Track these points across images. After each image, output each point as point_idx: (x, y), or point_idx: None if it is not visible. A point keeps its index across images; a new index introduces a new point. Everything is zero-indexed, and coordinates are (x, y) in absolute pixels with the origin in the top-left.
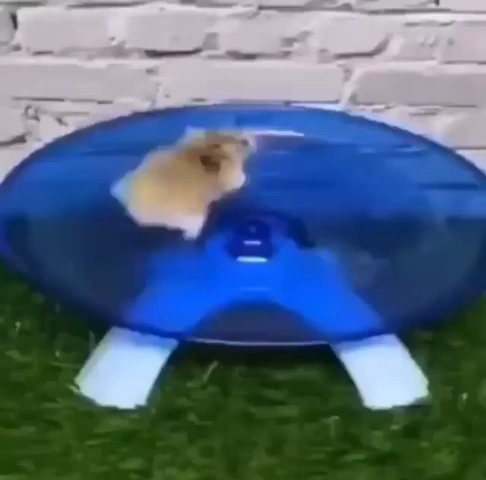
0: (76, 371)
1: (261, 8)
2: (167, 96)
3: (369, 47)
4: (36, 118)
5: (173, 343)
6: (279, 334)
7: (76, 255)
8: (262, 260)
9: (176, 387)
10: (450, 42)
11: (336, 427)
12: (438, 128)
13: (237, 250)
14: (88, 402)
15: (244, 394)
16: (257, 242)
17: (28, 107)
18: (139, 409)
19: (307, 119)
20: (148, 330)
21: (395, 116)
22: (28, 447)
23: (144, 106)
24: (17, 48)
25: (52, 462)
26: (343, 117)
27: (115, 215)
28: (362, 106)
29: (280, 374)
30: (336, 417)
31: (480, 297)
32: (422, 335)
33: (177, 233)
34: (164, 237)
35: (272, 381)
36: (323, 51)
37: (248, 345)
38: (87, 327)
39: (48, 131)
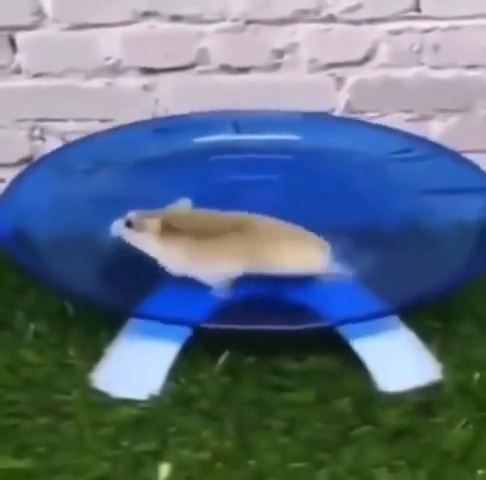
0: (90, 368)
1: (248, 23)
2: (166, 111)
3: (357, 56)
4: (42, 139)
5: (185, 333)
6: (286, 320)
7: (86, 259)
8: None
9: (189, 377)
10: (435, 48)
11: (349, 408)
12: (433, 133)
13: None
14: (102, 394)
15: (256, 382)
16: None
17: (33, 128)
18: (152, 399)
19: (305, 124)
20: (162, 319)
21: (390, 123)
22: (42, 435)
23: None
24: (17, 71)
25: (65, 447)
26: (343, 121)
27: None
28: (357, 114)
29: (291, 364)
30: (349, 398)
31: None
32: (433, 324)
33: None
34: None
35: (284, 370)
36: (312, 61)
37: (257, 329)
38: (100, 328)
39: None
